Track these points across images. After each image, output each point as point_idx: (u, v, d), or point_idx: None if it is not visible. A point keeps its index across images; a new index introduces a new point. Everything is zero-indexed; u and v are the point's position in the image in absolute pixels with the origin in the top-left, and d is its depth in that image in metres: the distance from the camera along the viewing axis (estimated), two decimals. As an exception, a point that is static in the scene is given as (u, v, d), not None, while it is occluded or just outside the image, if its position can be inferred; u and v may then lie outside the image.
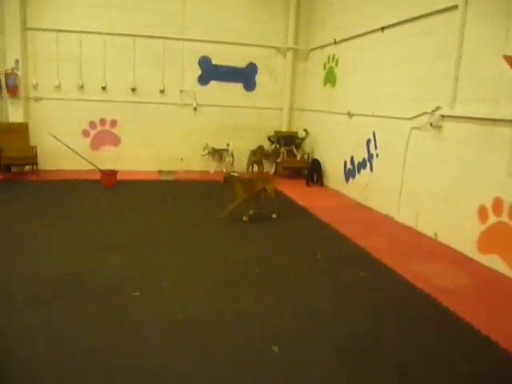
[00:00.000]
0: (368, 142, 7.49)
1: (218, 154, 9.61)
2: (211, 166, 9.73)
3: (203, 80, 9.77)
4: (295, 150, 9.61)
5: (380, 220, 6.78)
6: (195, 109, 9.78)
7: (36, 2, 8.84)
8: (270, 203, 6.46)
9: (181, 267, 4.51)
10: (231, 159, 9.59)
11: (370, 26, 7.35)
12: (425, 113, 6.01)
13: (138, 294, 3.77)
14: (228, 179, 6.27)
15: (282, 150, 9.45)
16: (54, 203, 6.80)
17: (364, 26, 7.57)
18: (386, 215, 6.91)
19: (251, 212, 6.39)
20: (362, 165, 7.70)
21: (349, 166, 8.20)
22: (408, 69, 6.44)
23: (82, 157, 8.41)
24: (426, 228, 6.03)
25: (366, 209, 7.38)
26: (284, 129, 10.25)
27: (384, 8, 7.04)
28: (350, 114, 8.10)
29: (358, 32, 7.80)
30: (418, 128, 6.19)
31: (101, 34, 9.13)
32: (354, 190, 8.01)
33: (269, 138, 9.84)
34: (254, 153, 9.63)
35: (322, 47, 9.41)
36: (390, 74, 6.87)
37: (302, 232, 6.00)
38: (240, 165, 9.67)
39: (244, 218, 6.25)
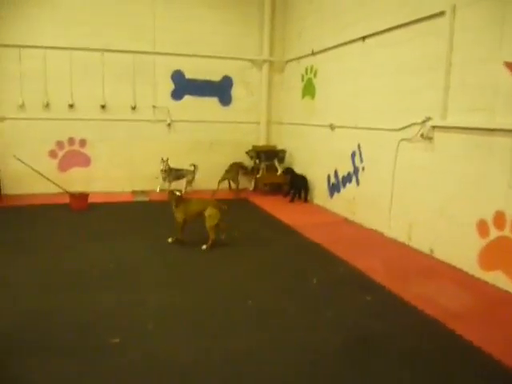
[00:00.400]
0: (353, 154, 7.20)
1: (174, 173, 8.99)
2: (162, 185, 9.10)
3: (177, 95, 9.36)
4: (277, 165, 9.25)
5: (370, 236, 6.46)
6: (169, 125, 9.35)
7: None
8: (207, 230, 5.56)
9: (164, 304, 4.03)
10: (190, 180, 9.08)
11: (350, 35, 7.11)
12: (414, 124, 5.75)
13: (117, 340, 3.29)
14: (169, 198, 5.78)
15: (262, 165, 9.07)
16: (19, 231, 6.24)
17: (343, 35, 7.33)
18: (375, 230, 6.60)
19: (179, 236, 5.73)
20: (347, 179, 7.40)
21: (333, 180, 7.90)
22: (394, 78, 6.19)
23: (49, 180, 7.85)
24: (421, 243, 5.73)
25: (354, 225, 7.06)
26: (262, 143, 9.91)
27: (364, 17, 6.81)
28: (332, 127, 7.82)
29: (336, 42, 7.56)
30: (407, 139, 5.92)
31: (66, 49, 8.64)
32: (339, 204, 7.70)
33: (247, 153, 9.46)
34: (227, 169, 9.20)
35: (298, 59, 9.14)
36: (374, 84, 6.61)
37: (291, 253, 5.61)
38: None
39: (169, 240, 5.77)
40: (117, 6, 8.76)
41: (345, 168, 7.46)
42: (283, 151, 9.41)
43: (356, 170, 7.14)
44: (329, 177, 8.02)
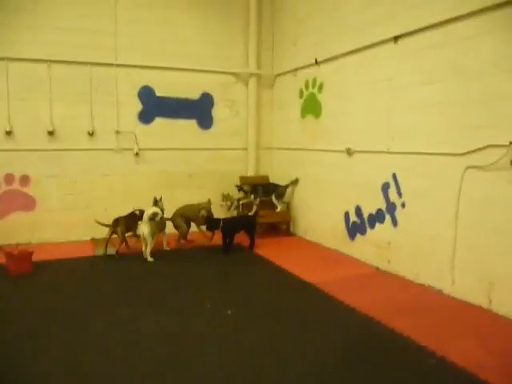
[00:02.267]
0: (385, 187, 5.62)
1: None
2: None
3: (145, 117, 7.52)
4: (276, 201, 7.54)
5: (428, 297, 4.81)
6: (137, 154, 7.46)
7: None
8: None
9: None
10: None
11: (373, 37, 5.63)
12: (491, 145, 4.24)
13: None
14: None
15: (257, 201, 7.31)
16: None
17: (361, 38, 5.84)
18: (429, 287, 5.00)
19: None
20: (378, 217, 5.80)
21: (353, 218, 6.28)
22: (448, 87, 4.69)
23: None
24: (510, 308, 4.16)
25: (393, 277, 5.42)
26: (251, 173, 8.20)
27: (395, 11, 5.33)
28: (349, 152, 6.24)
29: (352, 47, 6.06)
30: (478, 167, 4.39)
31: (2, 59, 6.65)
32: (365, 250, 6.06)
33: (239, 188, 7.68)
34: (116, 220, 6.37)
35: (294, 71, 7.57)
36: (417, 96, 5.09)
37: (336, 338, 3.84)
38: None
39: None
40: (67, 4, 6.90)
41: (372, 204, 5.87)
42: (285, 186, 7.69)
43: (391, 207, 5.55)
44: (347, 215, 6.39)
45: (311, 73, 7.09)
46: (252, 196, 7.41)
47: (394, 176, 5.47)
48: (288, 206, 7.69)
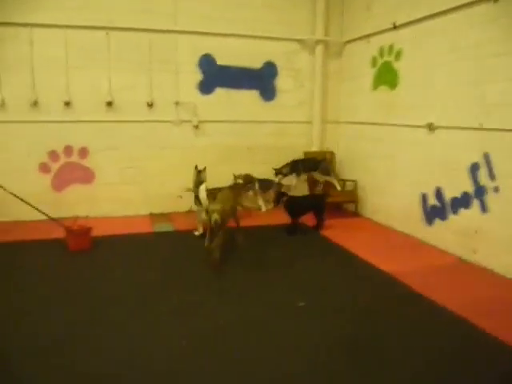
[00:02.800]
0: (474, 168, 4.97)
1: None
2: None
3: (206, 87, 7.11)
4: (321, 177, 6.99)
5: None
6: (196, 127, 7.10)
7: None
8: None
9: None
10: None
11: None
12: None
13: None
14: None
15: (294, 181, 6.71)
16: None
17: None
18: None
19: None
20: (462, 201, 5.17)
21: (432, 201, 5.67)
22: None
23: (36, 209, 5.58)
24: None
25: (482, 271, 4.82)
26: (315, 148, 7.67)
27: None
28: (431, 127, 5.59)
29: (438, 8, 5.34)
30: None
31: (60, 27, 6.40)
32: (445, 237, 5.47)
33: (277, 171, 7.01)
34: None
35: (367, 37, 6.90)
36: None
37: (449, 351, 3.36)
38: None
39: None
40: (126, -34, 6.53)
41: (456, 186, 5.24)
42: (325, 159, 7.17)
43: (480, 191, 4.91)
44: (424, 197, 5.79)
45: (387, 39, 6.40)
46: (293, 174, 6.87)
47: (487, 156, 4.80)
48: (355, 185, 7.14)
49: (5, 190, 5.55)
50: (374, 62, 6.76)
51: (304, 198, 6.58)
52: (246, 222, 5.96)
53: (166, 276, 4.60)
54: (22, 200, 5.43)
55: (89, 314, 3.71)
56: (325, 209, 6.23)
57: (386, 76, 6.46)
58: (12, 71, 6.34)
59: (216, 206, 4.77)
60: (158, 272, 4.68)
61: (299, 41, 7.45)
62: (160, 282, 4.41)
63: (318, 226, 6.23)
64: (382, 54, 6.56)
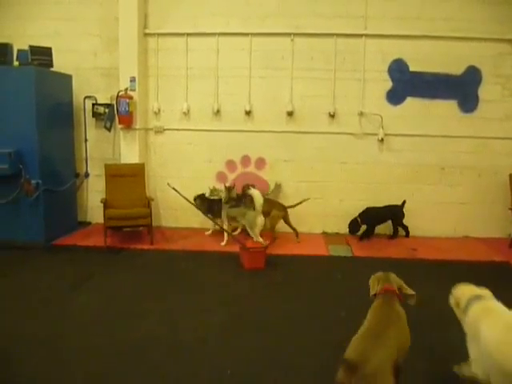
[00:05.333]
0: None
1: None
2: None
3: (395, 96, 6.34)
4: None
5: None
6: (381, 140, 6.35)
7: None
8: None
9: None
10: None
11: None
12: None
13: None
14: None
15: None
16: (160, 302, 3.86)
17: None
18: None
19: None
20: None
21: None
22: None
23: (214, 221, 5.46)
24: None
25: None
26: (526, 170, 6.34)
27: None
28: None
29: None
30: None
31: (246, 35, 6.27)
32: None
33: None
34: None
35: None
36: None
37: None
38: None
39: None
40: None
41: None
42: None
43: None
44: None
45: None
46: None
47: None
48: None
49: (184, 197, 5.57)
50: None
51: (382, 207, 6.14)
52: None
53: (351, 311, 3.93)
54: (205, 215, 5.42)
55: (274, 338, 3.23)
56: (403, 218, 6.15)
57: None
58: (198, 80, 6.39)
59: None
60: (336, 303, 4.05)
61: (509, 41, 6.23)
62: (343, 318, 3.77)
63: (394, 234, 6.22)
64: None
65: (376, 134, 6.32)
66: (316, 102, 6.33)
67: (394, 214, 6.14)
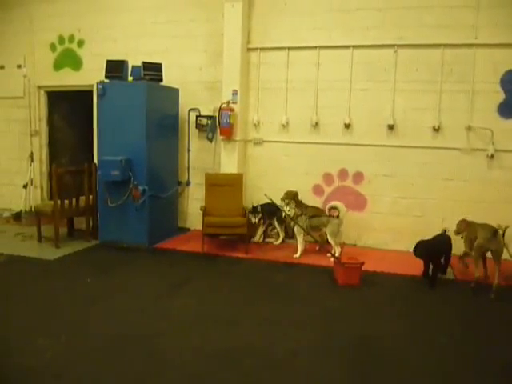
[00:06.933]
0: None
1: None
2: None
3: (508, 109, 5.88)
4: None
5: None
6: (491, 157, 5.92)
7: (261, 13, 6.50)
8: None
9: None
10: None
11: None
12: None
13: None
14: None
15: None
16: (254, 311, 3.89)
17: None
18: None
19: None
20: None
21: None
22: None
23: (315, 238, 5.49)
24: None
25: None
26: None
27: None
28: None
29: None
30: None
31: (347, 47, 6.23)
32: None
33: None
34: None
35: None
36: None
37: None
38: None
39: None
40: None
41: None
42: None
43: None
44: None
45: None
46: None
47: None
48: None
49: (282, 208, 5.69)
50: None
51: (436, 239, 5.20)
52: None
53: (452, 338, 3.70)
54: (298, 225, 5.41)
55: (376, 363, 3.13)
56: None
57: None
58: (297, 93, 6.46)
59: None
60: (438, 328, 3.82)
61: None
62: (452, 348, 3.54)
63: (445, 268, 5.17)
64: None
65: (485, 150, 5.90)
66: (419, 115, 6.09)
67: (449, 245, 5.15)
